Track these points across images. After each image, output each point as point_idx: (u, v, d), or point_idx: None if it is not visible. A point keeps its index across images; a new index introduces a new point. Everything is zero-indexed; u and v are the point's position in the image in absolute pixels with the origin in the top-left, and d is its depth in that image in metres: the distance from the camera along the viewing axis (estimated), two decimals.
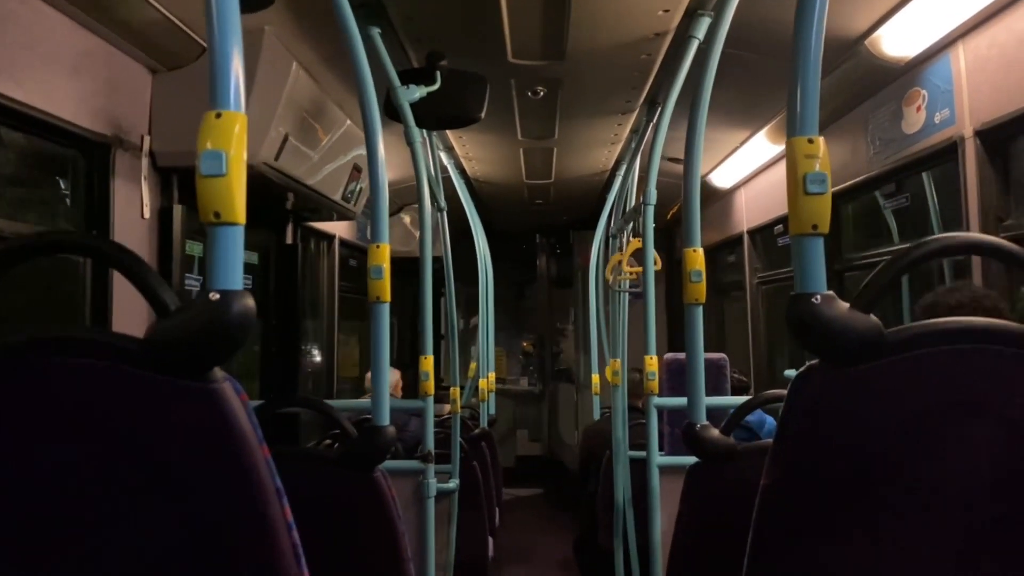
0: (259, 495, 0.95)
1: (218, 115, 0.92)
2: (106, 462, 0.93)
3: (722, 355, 3.27)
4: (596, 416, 5.28)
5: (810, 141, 1.05)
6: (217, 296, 0.89)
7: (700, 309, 1.86)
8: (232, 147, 0.91)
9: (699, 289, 1.85)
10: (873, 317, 1.03)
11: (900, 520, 1.04)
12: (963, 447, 1.03)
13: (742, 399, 3.21)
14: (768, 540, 1.12)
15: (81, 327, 2.09)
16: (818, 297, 1.02)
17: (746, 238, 4.69)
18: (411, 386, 5.02)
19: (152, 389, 0.92)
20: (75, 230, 2.27)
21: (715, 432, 1.79)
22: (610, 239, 4.18)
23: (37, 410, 0.94)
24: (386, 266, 1.85)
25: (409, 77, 2.60)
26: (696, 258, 1.86)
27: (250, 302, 0.92)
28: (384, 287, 1.85)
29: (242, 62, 0.96)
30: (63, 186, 2.36)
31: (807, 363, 1.07)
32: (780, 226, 4.28)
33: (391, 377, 4.09)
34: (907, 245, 1.08)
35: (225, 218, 0.91)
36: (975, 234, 1.68)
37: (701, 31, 2.47)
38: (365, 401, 3.66)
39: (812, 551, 1.09)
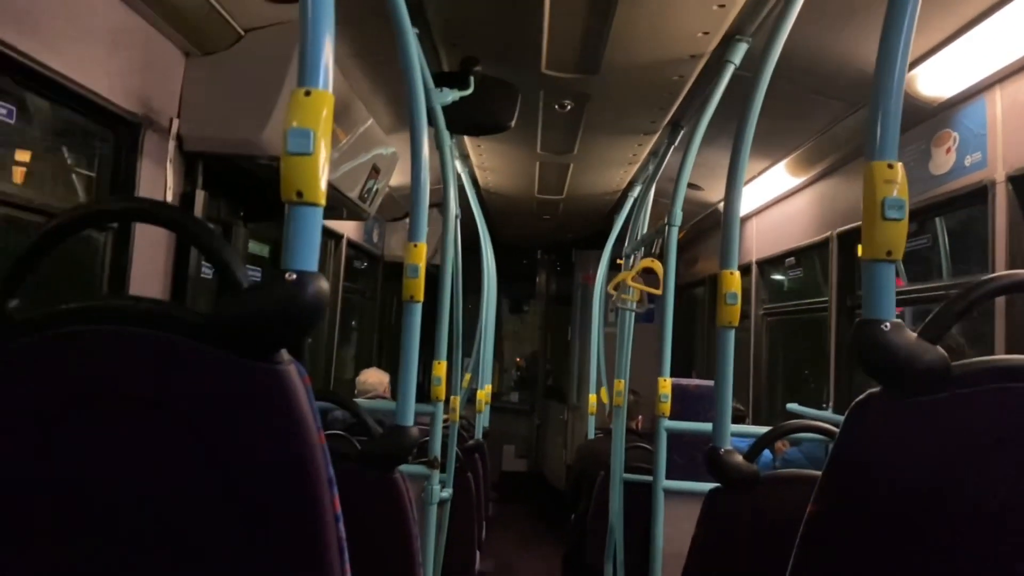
0: (314, 482, 0.92)
1: (307, 93, 0.90)
2: (165, 436, 0.90)
3: None
4: (591, 435, 5.25)
5: (890, 166, 1.05)
6: (294, 276, 0.87)
7: (732, 332, 1.85)
8: (320, 126, 0.89)
9: (733, 312, 1.84)
10: (940, 349, 1.02)
11: (954, 555, 1.03)
12: (1019, 485, 1.01)
13: (749, 427, 3.20)
14: (813, 567, 1.10)
15: (147, 298, 2.06)
16: (887, 324, 1.01)
17: (755, 268, 4.69)
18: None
19: (217, 365, 0.89)
20: (156, 200, 2.24)
21: (739, 457, 1.77)
22: (620, 260, 4.17)
23: (93, 379, 0.92)
24: (422, 265, 1.83)
25: (443, 80, 2.59)
26: (733, 280, 1.85)
27: (324, 285, 0.90)
28: (419, 286, 1.83)
29: (333, 42, 0.94)
30: (89, 162, 2.34)
31: (867, 391, 1.06)
32: (792, 258, 4.28)
33: (373, 378, 4.06)
34: (922, 291, 1.07)
35: (308, 198, 0.89)
36: None
37: (738, 56, 2.48)
38: (382, 403, 3.63)
39: None
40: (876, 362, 1.02)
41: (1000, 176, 2.37)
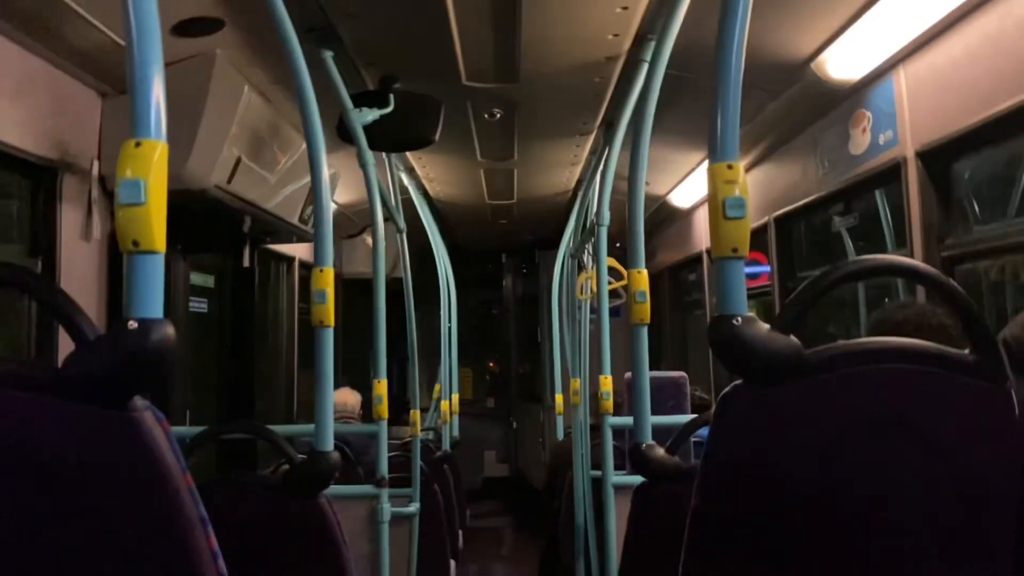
0: (181, 524, 0.94)
1: (137, 144, 0.92)
2: (24, 492, 0.92)
3: (682, 373, 3.29)
4: (560, 435, 5.28)
5: (729, 167, 1.08)
6: (135, 325, 0.89)
7: (645, 329, 1.88)
8: (152, 175, 0.91)
9: (644, 309, 1.87)
10: (793, 338, 1.05)
11: (822, 540, 1.06)
12: (882, 465, 1.05)
13: (679, 417, 3.24)
14: (698, 564, 1.13)
15: None
16: (739, 319, 1.04)
17: (705, 257, 4.74)
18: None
19: (70, 419, 0.91)
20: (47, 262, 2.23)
21: (660, 451, 1.80)
22: (571, 258, 4.20)
23: None
24: (330, 290, 1.84)
25: (363, 100, 2.61)
26: (640, 279, 1.88)
27: (169, 330, 0.92)
28: (328, 311, 1.85)
29: (163, 90, 0.96)
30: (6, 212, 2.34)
31: (731, 384, 1.09)
32: None
33: (350, 399, 4.07)
34: (826, 269, 1.10)
35: (144, 246, 0.91)
36: (888, 256, 1.71)
37: (649, 54, 2.51)
38: (358, 427, 3.64)
39: (742, 573, 1.10)
40: (731, 355, 1.06)
41: (910, 152, 2.42)
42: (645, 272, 1.90)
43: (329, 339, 1.88)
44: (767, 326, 1.05)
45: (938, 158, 2.35)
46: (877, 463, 1.05)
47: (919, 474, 1.04)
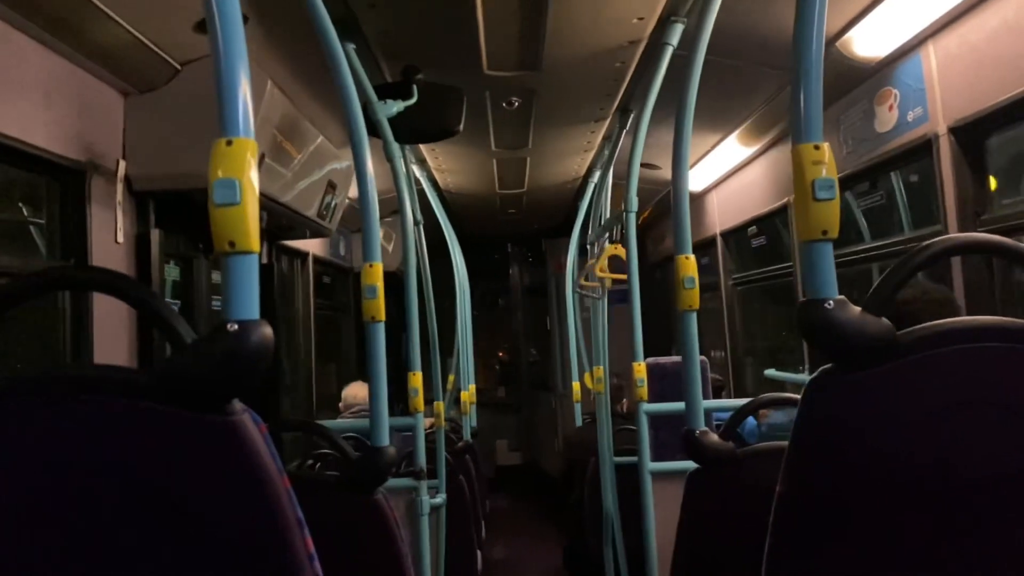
0: (281, 527, 0.93)
1: (229, 142, 0.90)
2: (125, 500, 0.90)
3: (702, 358, 3.29)
4: (578, 423, 5.28)
5: (816, 147, 1.06)
6: (235, 327, 0.87)
7: (694, 315, 1.87)
8: (245, 174, 0.89)
9: (693, 295, 1.85)
10: (885, 320, 1.04)
11: (923, 520, 1.05)
12: (980, 445, 1.04)
13: (727, 401, 3.24)
14: (787, 548, 1.12)
15: (91, 364, 2.04)
16: (830, 302, 1.03)
17: (719, 240, 4.73)
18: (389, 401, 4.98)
19: (169, 424, 0.90)
20: (82, 265, 2.21)
21: (715, 437, 1.79)
22: (587, 247, 4.19)
23: (50, 450, 0.91)
24: (380, 285, 1.83)
25: (385, 92, 2.58)
26: (689, 265, 1.87)
27: (268, 331, 0.90)
28: (379, 306, 1.83)
29: (250, 88, 0.94)
30: (33, 214, 2.32)
31: (820, 368, 1.08)
32: (754, 227, 4.32)
33: (361, 392, 4.06)
34: (884, 248, 1.09)
35: (240, 247, 0.89)
36: (979, 234, 1.71)
37: (675, 37, 2.49)
38: (353, 422, 3.63)
39: (833, 557, 1.09)
40: (823, 340, 1.04)
41: (942, 128, 2.40)
42: (693, 258, 1.89)
43: (381, 334, 1.86)
44: (858, 309, 1.03)
45: (971, 134, 2.34)
46: (973, 443, 1.04)
47: (1016, 452, 1.03)
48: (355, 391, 4.08)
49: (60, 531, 0.90)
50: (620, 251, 3.18)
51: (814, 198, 1.04)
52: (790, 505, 1.11)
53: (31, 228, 2.35)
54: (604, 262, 3.40)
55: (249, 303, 0.90)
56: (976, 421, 1.03)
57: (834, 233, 1.05)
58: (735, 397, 4.17)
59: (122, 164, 2.44)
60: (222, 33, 0.94)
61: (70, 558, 0.90)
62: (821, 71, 1.09)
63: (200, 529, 0.92)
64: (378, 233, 1.89)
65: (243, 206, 0.89)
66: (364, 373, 5.16)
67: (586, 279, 3.85)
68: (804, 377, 3.39)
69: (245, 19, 2.44)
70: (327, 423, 2.30)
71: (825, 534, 1.10)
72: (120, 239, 2.47)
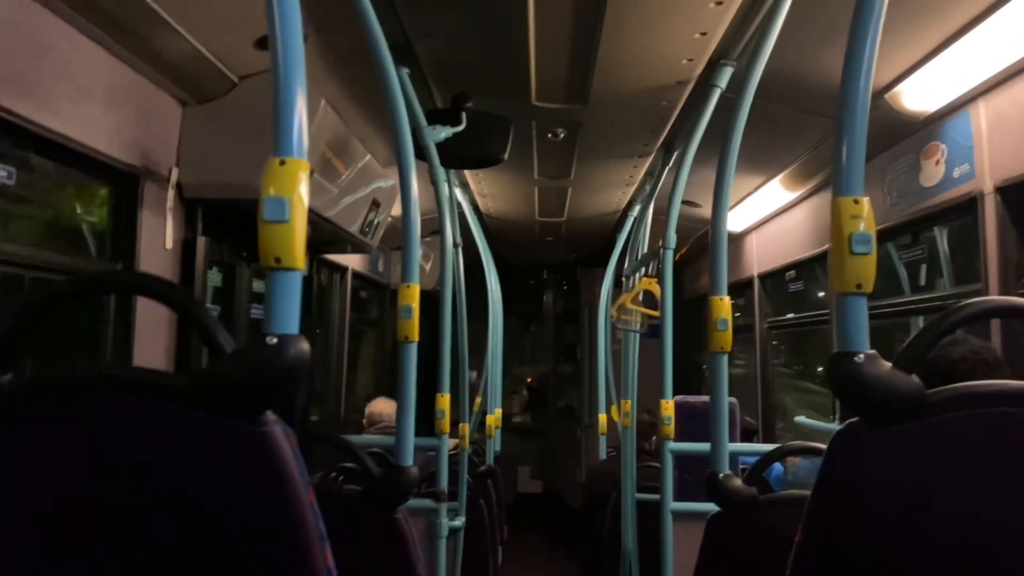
0: (304, 539, 0.95)
1: (282, 162, 0.94)
2: (154, 501, 0.93)
3: (732, 400, 3.27)
4: (603, 456, 5.25)
5: (856, 202, 1.07)
6: (275, 340, 0.90)
7: (725, 357, 1.87)
8: (294, 194, 0.93)
9: (725, 337, 1.86)
10: (915, 378, 1.04)
11: None
12: (1004, 509, 1.03)
13: (755, 446, 3.21)
14: None
15: (131, 367, 2.10)
16: (861, 356, 1.04)
17: (756, 282, 4.70)
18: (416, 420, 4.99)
19: (202, 430, 0.93)
20: (134, 270, 2.28)
21: (738, 482, 1.79)
22: (623, 279, 4.20)
23: (80, 448, 0.95)
24: (415, 305, 1.86)
25: (435, 117, 2.63)
26: (723, 306, 1.87)
27: (305, 346, 0.93)
28: (413, 327, 1.86)
29: (306, 109, 0.97)
30: (89, 214, 2.39)
31: (848, 421, 1.08)
32: (793, 272, 4.29)
33: (387, 409, 4.08)
34: (922, 303, 1.09)
35: (285, 263, 0.92)
36: (1017, 299, 1.69)
37: (723, 80, 2.51)
38: (378, 438, 3.65)
39: None
40: (852, 393, 1.05)
41: (988, 187, 2.39)
42: (727, 299, 1.89)
43: (413, 354, 1.89)
44: (889, 364, 1.04)
45: (1018, 194, 2.31)
46: (996, 506, 1.03)
47: None
48: (380, 407, 4.11)
49: (86, 526, 0.93)
50: (654, 287, 3.19)
51: (851, 251, 1.05)
52: (809, 554, 1.11)
53: (83, 229, 2.42)
54: (637, 295, 3.41)
55: (290, 318, 0.93)
56: (1001, 485, 1.02)
57: (868, 287, 1.06)
58: (765, 442, 4.13)
59: (175, 171, 2.51)
60: (283, 54, 0.98)
61: (95, 553, 0.93)
62: (866, 126, 1.10)
63: (223, 535, 0.95)
64: (418, 254, 1.92)
65: (291, 224, 0.92)
66: (393, 389, 5.20)
67: (617, 311, 3.85)
68: (833, 426, 3.35)
69: (305, 38, 2.51)
70: (352, 438, 2.32)
71: None
72: (169, 245, 2.54)
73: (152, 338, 2.38)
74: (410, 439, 1.83)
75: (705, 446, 2.67)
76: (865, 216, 1.06)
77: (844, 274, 1.06)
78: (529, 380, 8.52)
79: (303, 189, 0.95)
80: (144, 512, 0.95)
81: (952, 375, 1.05)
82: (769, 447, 2.18)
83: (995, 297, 1.15)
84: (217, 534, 0.95)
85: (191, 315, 0.95)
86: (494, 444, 5.27)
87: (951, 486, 1.03)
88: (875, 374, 1.03)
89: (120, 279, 1.08)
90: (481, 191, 4.58)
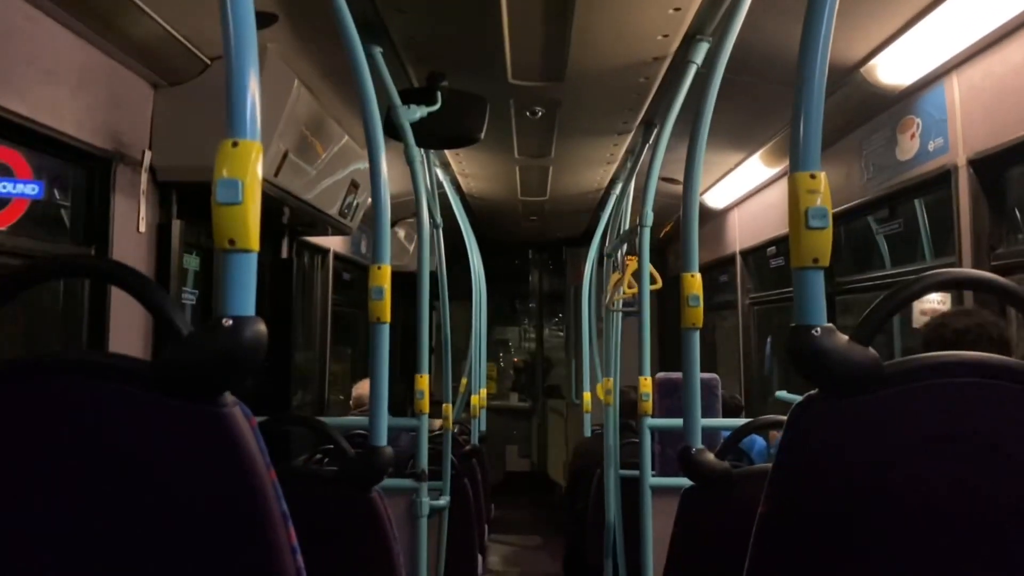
0: (265, 519, 0.96)
1: (235, 144, 0.94)
2: (113, 483, 0.94)
3: (713, 375, 3.29)
4: (587, 433, 5.28)
5: (812, 176, 1.08)
6: (230, 322, 0.91)
7: (697, 333, 1.88)
8: (248, 175, 0.93)
9: (696, 313, 1.87)
10: (871, 350, 1.05)
11: (896, 551, 1.06)
12: (958, 479, 1.04)
13: (734, 421, 3.24)
14: (765, 568, 1.13)
15: (92, 350, 2.09)
16: (818, 329, 1.04)
17: (739, 258, 4.72)
18: (399, 401, 5.01)
19: (162, 412, 0.93)
20: (87, 254, 2.27)
21: (710, 456, 1.80)
22: (605, 258, 4.20)
23: (45, 430, 0.95)
24: (387, 287, 1.86)
25: (410, 96, 2.62)
26: (694, 283, 1.88)
27: (262, 328, 0.93)
28: (384, 308, 1.86)
29: (259, 90, 0.97)
30: (62, 199, 2.37)
31: (807, 394, 1.09)
32: (773, 247, 4.31)
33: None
34: (903, 275, 1.10)
35: (240, 245, 0.92)
36: (970, 270, 1.70)
37: (699, 56, 2.51)
38: (360, 419, 3.66)
39: None
40: (810, 366, 1.06)
41: (962, 160, 2.40)
42: (699, 276, 1.90)
43: (385, 335, 1.89)
44: (845, 337, 1.05)
45: (990, 167, 2.33)
46: (952, 477, 1.04)
47: (993, 489, 1.04)
48: (363, 390, 4.12)
49: (52, 505, 0.94)
50: (652, 269, 3.20)
51: (807, 226, 1.06)
52: (771, 525, 1.12)
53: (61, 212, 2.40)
54: (629, 277, 3.42)
55: (245, 300, 0.93)
56: (955, 456, 1.04)
57: (825, 261, 1.06)
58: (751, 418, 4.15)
59: (148, 154, 2.50)
60: (235, 33, 0.97)
61: (60, 530, 0.94)
62: (822, 102, 1.10)
63: (184, 515, 0.95)
64: (388, 235, 1.92)
65: (244, 206, 0.92)
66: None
67: (611, 289, 3.85)
68: None
69: (276, 18, 2.49)
70: (331, 420, 2.33)
71: (803, 558, 1.11)
72: (142, 228, 2.52)
73: (128, 325, 2.37)
74: (383, 420, 1.84)
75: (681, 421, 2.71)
76: (822, 191, 1.07)
77: (801, 248, 1.06)
78: (516, 360, 8.54)
79: (257, 170, 0.94)
80: (108, 493, 0.95)
81: (955, 345, 1.05)
82: (742, 421, 2.20)
83: (952, 270, 1.16)
84: (179, 514, 0.96)
85: (146, 298, 0.95)
86: (479, 424, 5.29)
87: (907, 456, 1.04)
88: (832, 346, 1.04)
89: (79, 264, 1.08)
90: (462, 171, 4.56)
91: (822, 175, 1.08)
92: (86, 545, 0.95)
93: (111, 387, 0.94)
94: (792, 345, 1.06)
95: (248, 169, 0.93)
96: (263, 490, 0.95)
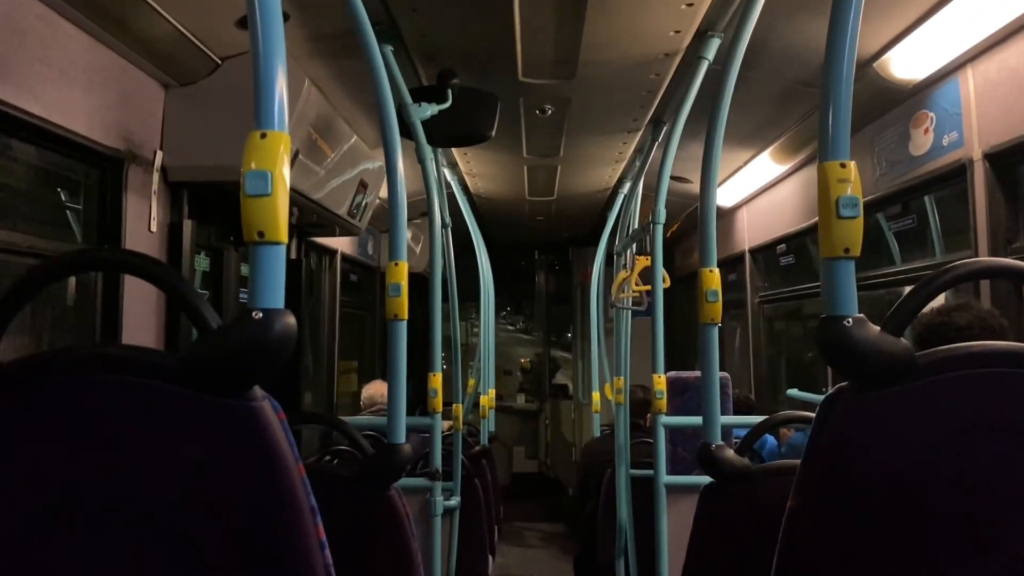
0: (295, 513, 0.95)
1: (263, 135, 0.93)
2: (144, 478, 0.93)
3: (724, 374, 3.27)
4: (596, 433, 5.27)
5: (842, 165, 1.07)
6: (260, 315, 0.90)
7: (716, 329, 1.87)
8: (276, 167, 0.92)
9: (715, 309, 1.86)
10: (903, 340, 1.04)
11: (931, 542, 1.05)
12: (992, 468, 1.03)
13: (747, 418, 3.22)
14: (796, 563, 1.12)
15: (118, 344, 2.08)
16: (849, 320, 1.03)
17: (748, 257, 4.71)
18: (409, 401, 5.00)
19: (192, 406, 0.92)
20: (116, 247, 2.26)
21: (731, 453, 1.79)
22: (614, 257, 4.19)
23: (71, 425, 0.94)
24: (404, 284, 1.85)
25: (420, 95, 2.61)
26: (712, 278, 1.87)
27: (291, 320, 0.92)
28: (402, 304, 1.85)
29: (287, 82, 0.96)
30: (71, 199, 2.37)
31: (836, 386, 1.08)
32: (783, 245, 4.29)
33: (383, 389, 4.08)
34: (914, 272, 1.09)
35: (269, 237, 0.91)
36: (1002, 259, 1.69)
37: (711, 52, 2.50)
38: (372, 419, 3.65)
39: (843, 572, 1.09)
40: (841, 358, 1.05)
41: (977, 154, 2.38)
42: (717, 271, 1.89)
43: (403, 332, 1.88)
44: (877, 328, 1.04)
45: (1007, 160, 2.31)
46: (986, 467, 1.03)
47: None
48: (376, 389, 4.11)
49: (80, 501, 0.93)
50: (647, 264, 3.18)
51: (838, 216, 1.05)
52: (801, 519, 1.11)
53: (67, 213, 2.40)
54: (636, 275, 3.41)
55: (275, 292, 0.92)
56: (990, 444, 1.03)
57: (856, 251, 1.05)
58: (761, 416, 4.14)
59: (159, 154, 2.49)
60: (262, 28, 0.96)
61: (88, 527, 0.93)
62: (851, 91, 1.09)
63: (215, 510, 0.94)
64: (405, 233, 1.91)
65: (274, 198, 0.91)
66: (386, 372, 5.20)
67: (617, 288, 3.84)
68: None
69: (286, 17, 2.48)
70: (346, 419, 2.32)
71: (835, 551, 1.10)
72: (153, 228, 2.52)
73: (140, 320, 2.37)
74: (402, 418, 1.83)
75: (698, 419, 2.69)
76: (853, 180, 1.06)
77: (832, 238, 1.05)
78: (523, 361, 8.53)
79: (285, 162, 0.93)
80: (137, 488, 0.94)
81: (958, 341, 1.04)
82: (759, 419, 2.19)
83: (981, 259, 1.15)
84: (209, 509, 0.95)
85: (176, 292, 0.94)
86: (488, 424, 5.28)
87: (941, 448, 1.03)
88: (864, 337, 1.02)
89: (102, 257, 1.07)
90: (470, 171, 4.56)
91: (852, 164, 1.07)
92: (114, 542, 0.94)
93: (139, 382, 0.93)
94: (823, 336, 1.05)
95: (277, 160, 0.92)
96: (293, 485, 0.94)
